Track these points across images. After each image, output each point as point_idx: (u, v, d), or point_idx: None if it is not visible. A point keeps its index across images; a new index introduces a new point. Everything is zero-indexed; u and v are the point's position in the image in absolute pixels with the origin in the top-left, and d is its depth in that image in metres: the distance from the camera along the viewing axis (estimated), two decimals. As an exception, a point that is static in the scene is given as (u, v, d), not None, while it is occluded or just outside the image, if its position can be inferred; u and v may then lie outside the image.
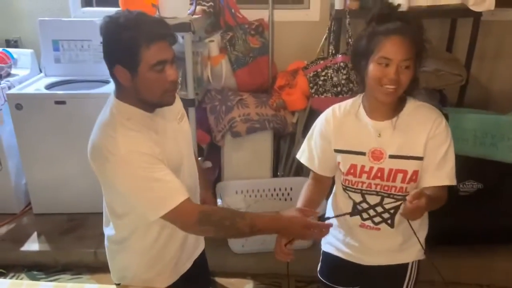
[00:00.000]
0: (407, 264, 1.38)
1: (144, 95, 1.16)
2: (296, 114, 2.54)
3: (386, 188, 1.28)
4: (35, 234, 2.55)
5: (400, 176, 1.25)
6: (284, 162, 2.73)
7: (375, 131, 1.27)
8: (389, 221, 1.32)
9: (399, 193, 1.28)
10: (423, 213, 1.24)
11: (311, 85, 2.38)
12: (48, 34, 2.68)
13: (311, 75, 2.39)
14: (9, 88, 2.57)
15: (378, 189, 1.30)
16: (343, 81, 2.32)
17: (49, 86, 2.59)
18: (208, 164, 2.56)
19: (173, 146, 1.25)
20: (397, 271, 1.39)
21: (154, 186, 1.13)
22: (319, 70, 2.37)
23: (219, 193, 2.44)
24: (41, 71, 2.83)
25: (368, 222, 1.34)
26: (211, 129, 2.49)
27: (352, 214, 1.36)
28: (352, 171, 1.30)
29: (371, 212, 1.33)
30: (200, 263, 1.51)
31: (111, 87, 2.78)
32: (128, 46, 1.09)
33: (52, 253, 2.44)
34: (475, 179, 2.21)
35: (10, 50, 2.80)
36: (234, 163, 2.57)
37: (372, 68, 1.20)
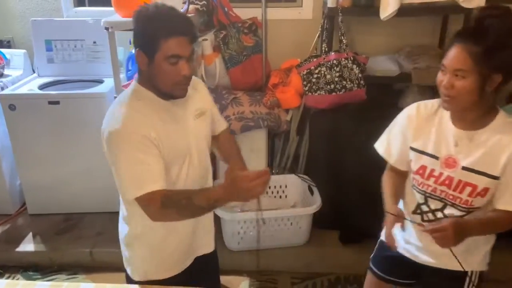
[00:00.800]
0: (467, 272, 1.35)
1: (157, 82, 1.25)
2: (290, 112, 2.55)
3: (451, 197, 1.27)
4: (30, 234, 2.54)
5: (468, 189, 1.24)
6: (279, 160, 2.74)
7: (453, 139, 1.26)
8: None
9: (463, 205, 1.27)
10: (459, 241, 1.20)
11: (304, 83, 2.40)
12: (41, 34, 2.67)
13: (304, 73, 2.40)
14: (2, 88, 2.56)
15: (442, 196, 1.29)
16: (336, 79, 2.34)
17: (42, 87, 2.58)
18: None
19: (181, 137, 1.31)
20: (456, 277, 1.37)
21: (137, 168, 1.20)
22: (313, 68, 2.38)
23: (215, 191, 2.44)
24: (34, 72, 2.83)
25: (426, 224, 1.33)
26: (205, 128, 2.50)
27: (411, 220, 1.36)
28: (421, 171, 1.31)
29: (430, 215, 1.33)
30: (207, 262, 1.53)
31: (104, 86, 2.80)
32: (150, 34, 1.19)
33: (47, 254, 2.44)
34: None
35: (3, 50, 2.79)
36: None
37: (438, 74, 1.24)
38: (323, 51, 2.42)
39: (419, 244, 1.41)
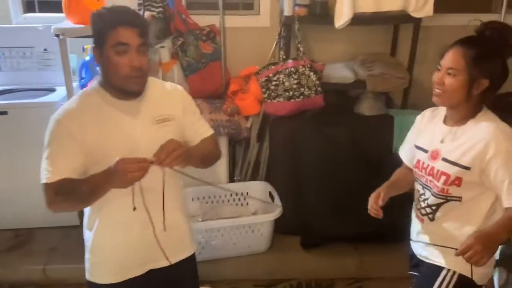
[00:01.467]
0: (442, 268, 1.40)
1: (109, 77, 1.27)
2: (250, 118, 2.56)
3: (432, 184, 1.39)
4: (-23, 252, 2.40)
5: (443, 178, 1.34)
6: (240, 167, 2.74)
7: (441, 136, 1.38)
8: (430, 216, 1.42)
9: (440, 193, 1.36)
10: (492, 252, 1.23)
11: (263, 90, 2.41)
12: (-13, 41, 2.54)
13: (263, 80, 2.42)
14: None
15: (430, 186, 1.40)
16: (294, 86, 2.37)
17: (-11, 96, 2.45)
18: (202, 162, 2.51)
19: (125, 139, 1.29)
20: (434, 270, 1.42)
21: (51, 157, 1.26)
22: (271, 75, 2.40)
23: (175, 200, 2.40)
24: (-20, 80, 2.68)
25: (419, 212, 1.46)
26: (164, 136, 2.46)
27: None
28: (417, 165, 1.44)
29: (422, 204, 1.44)
30: (168, 279, 1.47)
31: (56, 95, 2.70)
32: (100, 27, 1.24)
33: (-3, 272, 2.30)
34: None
35: None
36: (189, 170, 2.54)
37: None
38: (281, 58, 2.45)
39: (412, 231, 1.52)
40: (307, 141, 2.39)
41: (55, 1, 2.61)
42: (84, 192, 1.24)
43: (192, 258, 1.55)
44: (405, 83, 2.45)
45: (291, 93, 2.37)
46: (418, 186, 1.48)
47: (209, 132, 1.51)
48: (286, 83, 2.38)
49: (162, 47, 2.48)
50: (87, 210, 1.39)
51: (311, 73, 2.38)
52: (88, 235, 1.40)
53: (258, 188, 2.58)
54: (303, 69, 2.38)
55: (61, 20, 2.20)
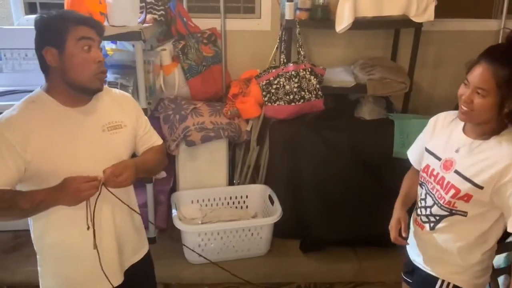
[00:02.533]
0: (437, 279, 1.39)
1: (72, 75, 1.23)
2: (250, 122, 2.56)
3: (439, 196, 1.34)
4: (-24, 254, 2.39)
5: (452, 191, 1.29)
6: (240, 170, 2.74)
7: (457, 145, 1.32)
8: (431, 225, 1.38)
9: (446, 206, 1.32)
10: None
11: (264, 93, 2.42)
12: (-11, 43, 2.55)
13: (263, 83, 2.42)
14: None
15: (436, 195, 1.35)
16: (295, 89, 2.37)
17: (-10, 97, 2.45)
18: (163, 174, 2.52)
19: (74, 147, 1.26)
20: (429, 280, 1.41)
21: None
22: (272, 78, 2.41)
23: (174, 203, 2.40)
24: (-19, 81, 2.68)
25: (418, 218, 1.43)
26: (165, 139, 2.46)
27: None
28: (426, 169, 1.40)
29: (423, 210, 1.40)
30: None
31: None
32: (58, 26, 1.22)
33: (-4, 274, 2.30)
34: (420, 181, 2.32)
35: None
36: (189, 172, 2.55)
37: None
38: (282, 62, 2.46)
39: (411, 237, 1.49)
40: (307, 145, 2.39)
41: (57, 3, 2.63)
42: (23, 208, 1.20)
43: (146, 258, 1.54)
44: (405, 87, 2.45)
45: (291, 96, 2.38)
46: (420, 191, 1.44)
47: (160, 141, 1.54)
48: (287, 87, 2.38)
49: (163, 49, 2.49)
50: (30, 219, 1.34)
51: (312, 77, 2.39)
52: (38, 245, 1.36)
53: (258, 191, 2.59)
54: (304, 72, 2.39)
55: (63, 22, 2.20)
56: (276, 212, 2.32)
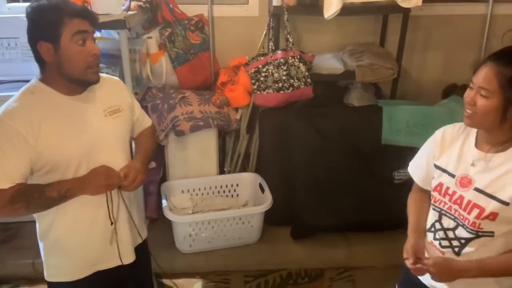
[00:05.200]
0: None
1: (68, 70, 1.23)
2: (239, 110, 2.55)
3: (461, 217, 1.23)
4: (-35, 247, 2.37)
5: (476, 211, 1.19)
6: (230, 158, 2.73)
7: (472, 159, 1.23)
8: (456, 249, 1.26)
9: (471, 227, 1.21)
10: (447, 280, 1.23)
11: (253, 81, 2.40)
12: (-30, 32, 2.48)
13: (252, 71, 2.40)
14: None
15: (456, 215, 1.25)
16: (283, 77, 2.36)
17: (-28, 88, 2.40)
18: (152, 164, 2.50)
19: (79, 135, 1.28)
20: None
21: None
22: (260, 66, 2.39)
23: (165, 193, 2.39)
24: (-38, 72, 2.61)
25: (436, 243, 1.30)
26: (153, 128, 2.44)
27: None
28: (438, 188, 1.29)
29: (441, 234, 1.29)
30: (135, 268, 1.49)
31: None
32: (52, 20, 1.20)
33: (-14, 267, 2.28)
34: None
35: None
36: (179, 162, 2.54)
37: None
38: (270, 49, 2.43)
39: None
40: (297, 132, 2.39)
41: (39, -10, 2.56)
42: (51, 198, 1.23)
43: (145, 243, 1.60)
44: (394, 73, 2.45)
45: (280, 84, 2.36)
46: (434, 213, 1.32)
47: (150, 121, 1.61)
48: (276, 75, 2.36)
49: (150, 37, 2.44)
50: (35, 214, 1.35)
51: (301, 64, 2.37)
52: (47, 237, 1.36)
53: (248, 180, 2.59)
54: (293, 60, 2.37)
55: (46, 11, 2.14)
56: (267, 200, 2.32)
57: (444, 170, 1.29)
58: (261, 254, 2.40)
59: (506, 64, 1.12)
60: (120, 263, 1.43)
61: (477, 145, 1.25)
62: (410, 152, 2.30)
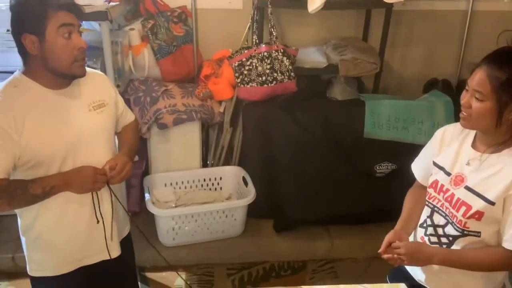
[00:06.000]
0: None
1: (53, 63, 1.22)
2: (223, 103, 2.54)
3: (451, 215, 1.25)
4: None
5: (463, 209, 1.21)
6: (213, 151, 2.73)
7: (467, 159, 1.25)
8: (444, 246, 1.28)
9: (458, 225, 1.22)
10: (416, 264, 1.29)
11: (236, 74, 2.39)
12: None
13: (236, 64, 2.39)
14: None
15: (447, 212, 1.27)
16: (267, 71, 2.36)
17: None
18: (135, 157, 2.48)
19: (64, 129, 1.27)
20: None
21: None
22: (244, 59, 2.38)
23: (147, 186, 2.38)
24: None
25: (426, 239, 1.32)
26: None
27: None
28: (434, 185, 1.32)
29: (431, 230, 1.31)
30: (119, 263, 1.49)
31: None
32: (37, 12, 1.18)
33: (-37, 262, 2.24)
34: (390, 161, 2.38)
35: None
36: (162, 155, 2.52)
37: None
38: (254, 42, 2.42)
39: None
40: (280, 126, 2.40)
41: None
42: (34, 195, 1.22)
43: (128, 237, 1.61)
44: (376, 68, 2.47)
45: (264, 78, 2.36)
46: (427, 208, 1.35)
47: (133, 116, 1.60)
48: (259, 68, 2.36)
49: (132, 29, 2.41)
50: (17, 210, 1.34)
51: (284, 58, 2.37)
52: (30, 232, 1.35)
53: (232, 173, 2.59)
54: (276, 54, 2.37)
55: None
56: (250, 194, 2.33)
57: (441, 168, 1.31)
58: (244, 247, 2.42)
59: (499, 67, 1.12)
60: (104, 258, 1.43)
61: (474, 145, 1.27)
62: (391, 146, 2.38)
